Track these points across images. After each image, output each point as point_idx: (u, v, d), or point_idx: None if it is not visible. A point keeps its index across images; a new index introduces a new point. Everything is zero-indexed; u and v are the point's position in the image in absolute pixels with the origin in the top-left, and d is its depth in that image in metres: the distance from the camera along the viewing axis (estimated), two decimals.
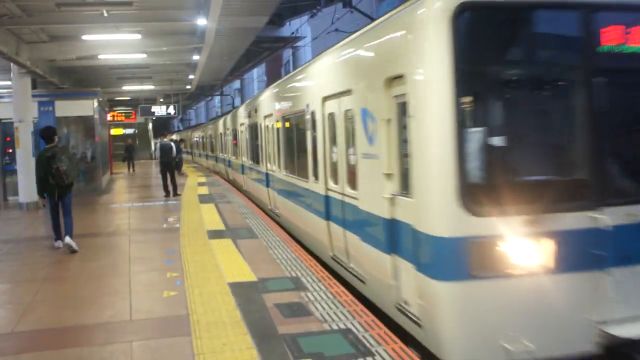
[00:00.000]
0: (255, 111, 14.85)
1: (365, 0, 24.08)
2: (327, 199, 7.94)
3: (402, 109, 5.17)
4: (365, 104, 6.01)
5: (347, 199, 6.98)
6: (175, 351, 5.04)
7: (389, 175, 5.51)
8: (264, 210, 13.67)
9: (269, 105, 12.86)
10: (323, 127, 7.99)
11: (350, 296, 6.31)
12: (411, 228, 4.94)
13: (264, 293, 6.51)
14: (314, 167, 8.59)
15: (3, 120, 18.03)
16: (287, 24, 28.53)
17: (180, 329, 5.50)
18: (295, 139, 10.26)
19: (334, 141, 7.58)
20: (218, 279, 7.22)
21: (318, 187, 8.34)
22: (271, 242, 9.37)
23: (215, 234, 10.31)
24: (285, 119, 11.08)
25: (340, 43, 7.54)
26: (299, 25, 28.99)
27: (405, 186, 5.22)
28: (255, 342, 5.06)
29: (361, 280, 6.53)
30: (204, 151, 35.88)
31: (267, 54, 32.98)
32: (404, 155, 5.24)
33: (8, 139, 17.80)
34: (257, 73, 55.58)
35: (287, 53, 43.86)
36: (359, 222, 6.47)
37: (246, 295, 6.47)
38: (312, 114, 8.48)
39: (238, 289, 6.73)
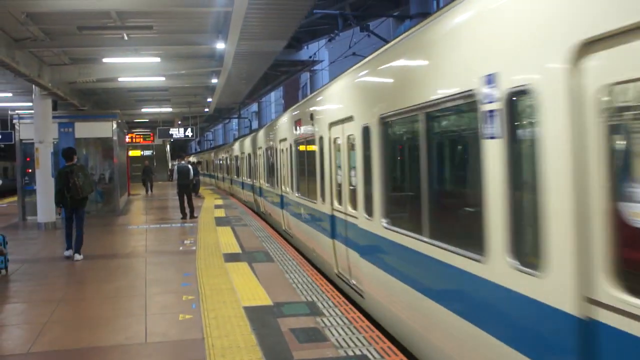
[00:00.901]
0: (311, 118, 9.99)
1: (382, 25, 24.25)
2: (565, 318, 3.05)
3: None
4: None
5: None
6: None
7: None
8: (314, 266, 9.79)
9: (344, 104, 7.86)
10: (577, 133, 2.95)
11: (367, 322, 6.22)
12: None
13: (280, 317, 6.44)
14: (495, 227, 3.74)
15: (24, 141, 18.34)
16: (305, 47, 28.86)
17: (195, 353, 5.45)
18: (407, 159, 5.81)
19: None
20: (233, 302, 7.18)
21: (515, 282, 3.50)
22: (287, 266, 9.31)
23: (231, 257, 10.29)
24: (384, 122, 6.05)
25: None
26: (317, 49, 29.28)
27: None
28: None
29: None
30: (228, 175, 32.72)
31: (285, 77, 33.38)
32: None
33: (28, 159, 18.07)
34: (274, 96, 56.10)
35: (305, 76, 44.21)
36: None
37: (261, 319, 6.41)
38: (511, 98, 3.54)
39: (253, 313, 6.67)
